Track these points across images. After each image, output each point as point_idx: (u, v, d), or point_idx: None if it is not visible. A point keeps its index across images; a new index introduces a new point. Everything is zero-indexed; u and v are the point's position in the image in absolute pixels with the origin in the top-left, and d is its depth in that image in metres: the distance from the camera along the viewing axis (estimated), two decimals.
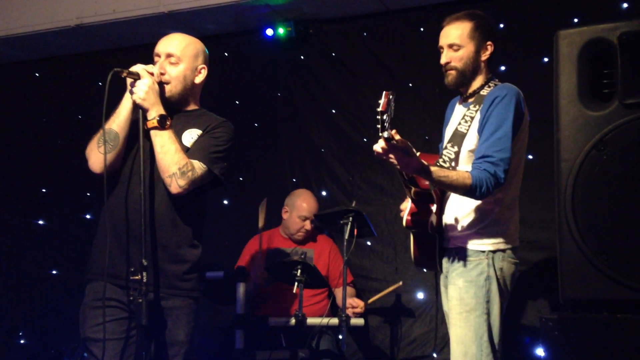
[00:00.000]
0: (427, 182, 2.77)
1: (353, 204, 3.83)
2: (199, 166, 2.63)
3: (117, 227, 2.62)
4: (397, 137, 2.40)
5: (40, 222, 5.40)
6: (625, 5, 3.97)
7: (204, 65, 2.82)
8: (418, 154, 2.78)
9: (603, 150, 2.26)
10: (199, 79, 2.81)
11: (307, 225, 4.26)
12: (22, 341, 5.29)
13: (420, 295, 4.34)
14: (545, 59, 4.04)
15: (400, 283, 4.18)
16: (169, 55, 2.73)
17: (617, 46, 2.26)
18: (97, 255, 2.66)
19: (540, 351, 3.77)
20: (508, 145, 2.65)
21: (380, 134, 2.38)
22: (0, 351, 5.29)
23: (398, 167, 2.54)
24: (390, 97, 2.36)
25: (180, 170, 2.57)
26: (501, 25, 4.22)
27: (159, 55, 2.75)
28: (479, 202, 2.74)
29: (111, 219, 2.60)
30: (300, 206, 4.28)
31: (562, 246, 2.30)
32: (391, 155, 2.48)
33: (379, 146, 2.46)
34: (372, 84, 4.65)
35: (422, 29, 4.53)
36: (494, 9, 4.26)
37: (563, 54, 2.37)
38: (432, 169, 2.57)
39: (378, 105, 2.33)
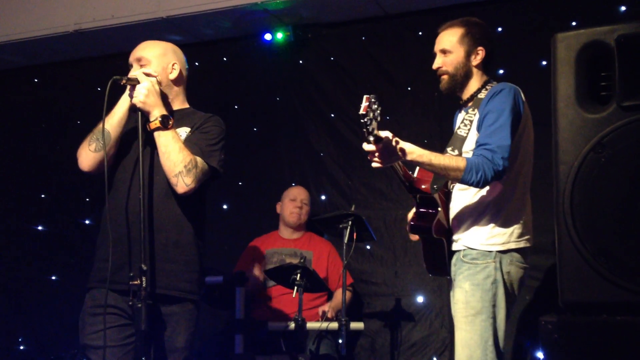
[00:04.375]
0: (427, 186, 2.79)
1: (352, 208, 3.84)
2: (200, 161, 2.65)
3: (118, 232, 2.61)
4: (382, 134, 2.44)
5: (40, 227, 5.40)
6: (623, 8, 3.98)
7: (175, 61, 2.83)
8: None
9: (601, 152, 2.26)
10: (173, 75, 2.81)
11: (298, 203, 4.39)
12: (21, 347, 5.28)
13: (420, 299, 4.34)
14: (543, 62, 4.05)
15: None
16: (138, 60, 2.78)
17: (614, 49, 2.26)
18: (99, 264, 2.65)
19: (540, 354, 3.77)
20: (506, 133, 2.63)
21: (367, 138, 2.41)
22: (0, 357, 5.28)
23: (384, 164, 2.55)
24: (372, 100, 2.37)
25: (186, 168, 2.59)
26: (499, 29, 4.24)
27: (131, 65, 2.80)
28: (485, 201, 2.74)
29: (112, 225, 2.60)
30: (289, 192, 4.50)
31: (561, 249, 2.29)
32: (377, 156, 2.51)
33: (369, 146, 2.49)
34: (370, 88, 4.64)
35: (420, 33, 4.54)
36: (491, 12, 4.27)
37: (560, 57, 2.36)
38: (423, 152, 2.58)
39: (359, 109, 2.35)
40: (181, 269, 2.66)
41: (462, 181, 2.62)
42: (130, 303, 2.46)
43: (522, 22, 4.25)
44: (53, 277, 5.28)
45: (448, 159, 2.62)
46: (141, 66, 2.75)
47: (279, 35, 4.80)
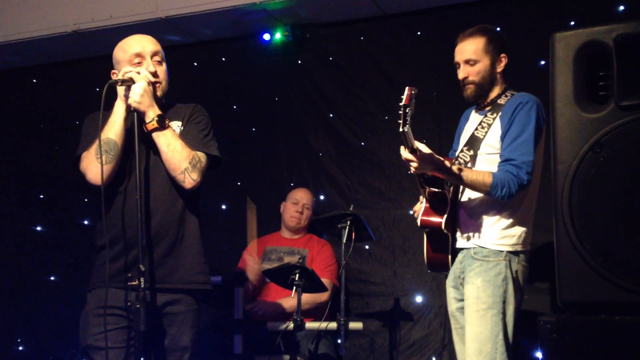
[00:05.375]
0: (440, 181, 2.86)
1: (351, 208, 3.84)
2: (201, 155, 2.66)
3: (122, 233, 2.61)
4: (422, 148, 2.61)
5: (38, 228, 5.39)
6: (621, 7, 3.98)
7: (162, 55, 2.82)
8: None
9: (599, 152, 2.26)
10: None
11: (299, 207, 4.35)
12: (20, 348, 5.28)
13: (418, 299, 4.34)
14: (542, 62, 4.05)
15: None
16: (154, 54, 2.73)
17: (612, 48, 2.26)
18: (100, 267, 2.64)
19: (539, 354, 3.77)
20: (530, 149, 2.75)
21: (401, 129, 2.51)
22: (0, 357, 5.29)
23: (418, 172, 2.70)
24: (413, 92, 2.48)
25: (191, 164, 2.60)
26: (497, 29, 4.22)
27: (141, 56, 2.71)
28: (499, 204, 2.82)
29: (115, 226, 2.60)
30: (293, 194, 4.46)
31: (560, 248, 2.30)
32: (415, 166, 2.64)
33: (409, 155, 2.62)
34: (369, 87, 4.65)
35: (419, 33, 4.53)
36: (490, 12, 4.27)
37: (559, 56, 2.37)
38: (453, 167, 2.69)
39: (400, 100, 2.47)
40: (193, 261, 2.68)
41: (488, 195, 2.75)
42: (129, 304, 2.46)
43: (520, 21, 4.24)
44: (52, 278, 5.27)
45: (475, 174, 2.74)
46: (157, 62, 2.70)
47: (278, 35, 4.80)
